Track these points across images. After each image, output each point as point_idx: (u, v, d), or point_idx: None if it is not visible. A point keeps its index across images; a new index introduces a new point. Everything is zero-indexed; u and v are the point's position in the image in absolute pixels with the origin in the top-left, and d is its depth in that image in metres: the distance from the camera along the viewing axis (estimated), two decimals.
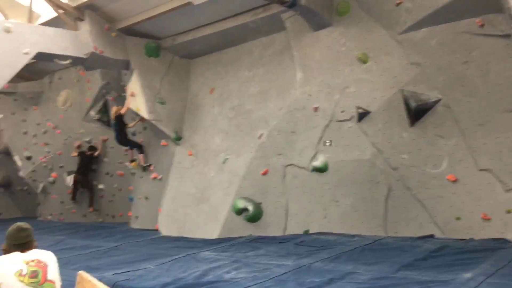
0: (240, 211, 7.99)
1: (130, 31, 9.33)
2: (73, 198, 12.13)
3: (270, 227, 7.93)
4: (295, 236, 7.50)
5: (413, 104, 6.79)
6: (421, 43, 6.85)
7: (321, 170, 7.56)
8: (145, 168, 10.09)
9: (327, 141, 7.56)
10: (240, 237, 7.83)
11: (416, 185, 6.83)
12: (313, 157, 7.66)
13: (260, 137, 8.23)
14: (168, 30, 9.38)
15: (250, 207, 7.92)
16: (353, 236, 7.08)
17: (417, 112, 6.78)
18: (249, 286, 4.91)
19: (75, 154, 11.91)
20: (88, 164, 11.81)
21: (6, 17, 8.62)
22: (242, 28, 8.50)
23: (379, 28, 7.25)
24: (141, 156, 10.11)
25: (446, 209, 6.60)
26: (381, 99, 7.12)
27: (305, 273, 5.30)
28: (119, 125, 9.76)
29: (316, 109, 7.67)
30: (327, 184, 7.55)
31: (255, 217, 7.94)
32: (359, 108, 7.25)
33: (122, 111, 9.59)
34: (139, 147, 10.17)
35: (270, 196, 7.99)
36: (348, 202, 7.36)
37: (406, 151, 6.91)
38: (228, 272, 5.58)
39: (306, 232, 7.64)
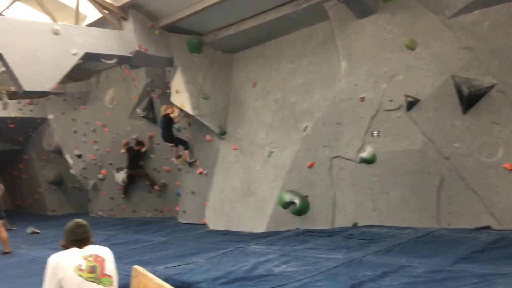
0: (286, 205, 7.94)
1: (173, 28, 9.43)
2: (124, 193, 12.41)
3: (318, 220, 7.84)
4: (343, 229, 7.38)
5: (465, 90, 6.49)
6: (473, 27, 6.53)
7: (369, 161, 7.39)
8: (191, 164, 10.21)
9: (375, 132, 7.38)
10: (287, 231, 7.78)
11: (471, 175, 6.54)
12: (361, 148, 7.50)
13: (305, 129, 8.14)
14: (210, 25, 9.41)
15: (297, 200, 7.85)
16: (405, 228, 6.88)
17: (470, 99, 6.48)
18: (300, 280, 4.86)
19: (123, 150, 12.19)
20: (136, 159, 12.03)
21: (54, 20, 8.88)
22: (284, 20, 8.40)
23: (427, 12, 6.97)
24: (186, 152, 10.22)
25: (503, 199, 6.29)
26: (431, 86, 6.86)
27: (357, 266, 5.20)
28: (167, 124, 9.89)
29: (362, 99, 7.49)
30: (375, 176, 7.37)
31: (302, 210, 7.87)
32: (408, 96, 7.01)
33: (174, 115, 9.77)
34: (184, 144, 10.27)
35: (316, 189, 7.90)
36: (398, 193, 7.16)
37: (459, 140, 6.64)
38: (277, 266, 5.56)
39: (355, 225, 7.50)
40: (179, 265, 5.91)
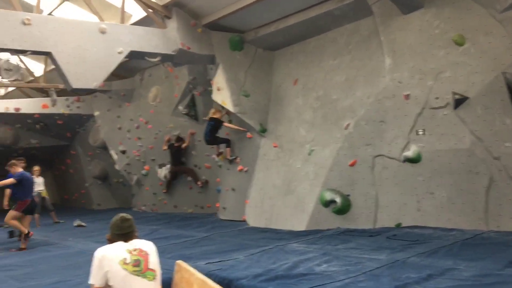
0: (327, 203, 7.85)
1: (215, 26, 9.51)
2: (167, 188, 12.60)
3: (359, 219, 7.70)
4: (386, 229, 7.21)
5: None
6: None
7: (414, 160, 7.19)
8: (231, 161, 10.26)
9: (420, 130, 7.17)
10: (328, 230, 7.69)
11: None
12: (405, 147, 7.31)
13: (347, 127, 8.02)
14: (251, 23, 9.43)
15: (338, 199, 7.74)
16: (451, 230, 6.66)
17: None
18: (342, 280, 4.79)
19: (165, 147, 12.41)
20: (178, 156, 12.20)
21: (101, 19, 9.13)
22: (327, 16, 8.30)
23: (477, 6, 6.71)
24: (227, 149, 10.28)
25: None
26: (480, 83, 6.60)
27: (400, 268, 5.06)
28: (213, 127, 9.89)
29: (407, 96, 7.29)
30: (420, 175, 7.17)
31: (343, 209, 7.76)
32: (455, 94, 6.77)
33: (225, 123, 9.82)
34: (226, 141, 10.29)
35: (358, 188, 7.76)
36: (444, 194, 6.93)
37: (510, 139, 6.35)
38: (318, 265, 5.49)
39: (398, 225, 7.33)
40: (220, 261, 5.94)
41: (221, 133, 10.60)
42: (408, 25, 7.40)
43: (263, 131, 9.65)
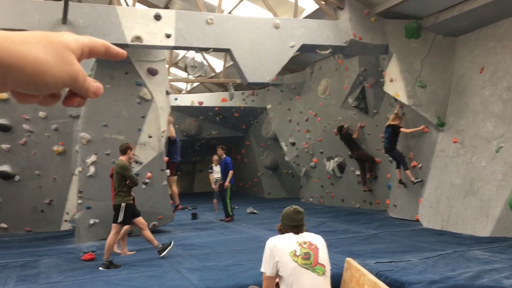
0: None
1: (389, 14, 9.02)
2: (364, 182, 11.76)
3: None
4: None
5: None
6: None
7: None
8: (415, 183, 9.21)
9: None
10: None
11: None
12: None
13: None
14: (430, 8, 8.69)
15: None
16: None
17: None
18: None
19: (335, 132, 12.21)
20: (352, 142, 11.75)
21: (275, 14, 9.42)
22: None
23: None
24: (408, 172, 9.30)
25: None
26: None
27: None
28: (391, 134, 9.39)
29: None
30: None
31: None
32: None
33: (403, 129, 9.26)
34: (403, 163, 9.39)
35: None
36: None
37: None
38: (507, 278, 4.81)
39: None
40: (391, 261, 5.62)
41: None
42: None
43: (441, 125, 8.87)
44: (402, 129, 9.35)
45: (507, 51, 7.91)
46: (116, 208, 6.38)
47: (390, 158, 10.27)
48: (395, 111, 9.63)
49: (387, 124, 9.60)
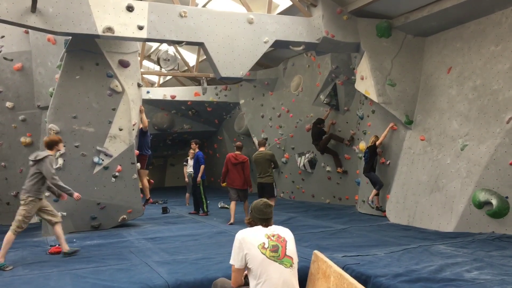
0: (481, 205, 7.09)
1: (361, 13, 9.16)
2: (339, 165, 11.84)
3: None
4: None
5: None
6: None
7: None
8: (374, 208, 9.49)
9: None
10: (480, 233, 6.95)
11: None
12: None
13: (508, 121, 7.11)
14: (401, 8, 8.87)
15: (494, 201, 6.93)
16: None
17: None
18: None
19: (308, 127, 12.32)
20: (320, 138, 11.78)
21: (249, 9, 9.42)
22: None
23: None
24: (374, 192, 9.44)
25: None
26: None
27: None
28: (369, 155, 9.44)
29: None
30: None
31: (499, 213, 6.92)
32: None
33: (378, 142, 9.35)
34: (378, 184, 9.36)
35: None
36: None
37: None
38: (468, 271, 4.97)
39: None
40: (358, 255, 5.74)
41: (364, 124, 10.24)
42: None
43: (409, 123, 9.08)
44: (377, 143, 9.39)
45: (473, 52, 8.15)
46: None
47: (360, 155, 10.45)
48: (372, 137, 9.66)
49: (367, 146, 9.62)
